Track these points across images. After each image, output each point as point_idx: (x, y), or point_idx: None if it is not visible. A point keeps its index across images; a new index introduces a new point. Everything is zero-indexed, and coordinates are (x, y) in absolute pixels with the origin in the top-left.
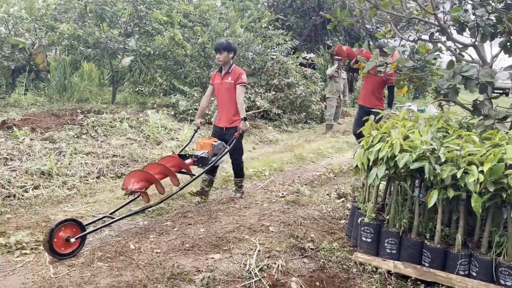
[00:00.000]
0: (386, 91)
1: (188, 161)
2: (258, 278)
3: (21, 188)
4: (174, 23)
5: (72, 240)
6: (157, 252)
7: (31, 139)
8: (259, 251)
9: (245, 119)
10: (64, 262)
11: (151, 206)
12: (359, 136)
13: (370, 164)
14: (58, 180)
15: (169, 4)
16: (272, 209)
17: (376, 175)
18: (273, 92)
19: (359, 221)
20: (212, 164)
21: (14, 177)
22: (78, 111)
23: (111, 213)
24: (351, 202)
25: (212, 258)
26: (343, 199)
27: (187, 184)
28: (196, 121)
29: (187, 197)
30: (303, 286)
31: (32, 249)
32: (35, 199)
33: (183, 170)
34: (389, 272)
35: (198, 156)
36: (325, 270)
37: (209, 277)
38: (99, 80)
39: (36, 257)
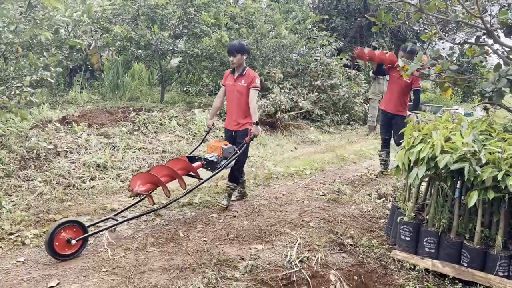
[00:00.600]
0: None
1: (196, 164)
2: (298, 269)
3: (79, 179)
4: (221, 25)
5: (73, 242)
6: (204, 240)
7: (88, 134)
8: (299, 244)
9: (257, 123)
10: (120, 246)
11: (154, 210)
12: (392, 142)
13: (411, 164)
14: (112, 173)
15: (216, 7)
16: (312, 206)
17: (417, 175)
18: (316, 93)
19: (398, 220)
20: (221, 169)
21: (73, 169)
22: (130, 109)
23: (115, 215)
24: (392, 202)
25: (255, 248)
26: (383, 199)
27: (193, 188)
28: (209, 122)
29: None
30: (341, 278)
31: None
32: (92, 189)
33: (191, 173)
34: (426, 270)
35: (207, 159)
36: (363, 265)
37: (252, 265)
38: (149, 80)
39: (96, 240)
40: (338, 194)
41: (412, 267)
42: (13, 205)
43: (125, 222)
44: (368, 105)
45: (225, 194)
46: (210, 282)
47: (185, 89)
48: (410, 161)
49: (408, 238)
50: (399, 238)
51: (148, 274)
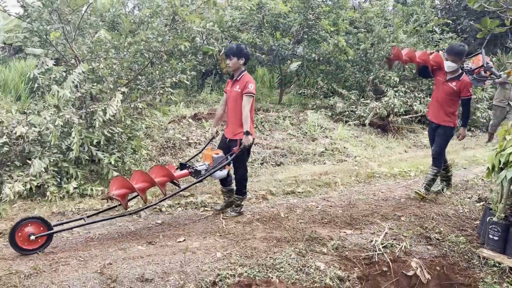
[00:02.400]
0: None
1: (183, 172)
2: (381, 252)
3: None
4: (340, 30)
5: (32, 238)
6: (301, 221)
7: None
8: (386, 233)
9: (247, 133)
10: (233, 219)
11: (128, 214)
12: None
13: (501, 166)
14: None
15: (336, 13)
16: (408, 204)
17: (505, 176)
18: None
19: (487, 219)
20: (202, 178)
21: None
22: None
23: (88, 216)
24: (486, 203)
25: (345, 232)
26: (483, 202)
27: (169, 197)
28: (212, 130)
29: (331, 185)
30: (422, 266)
31: (211, 207)
32: None
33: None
34: (511, 268)
35: (194, 168)
36: (447, 258)
37: (339, 244)
38: (269, 83)
39: (214, 213)
40: (437, 195)
41: (497, 264)
42: None
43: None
44: (491, 111)
45: (233, 206)
46: (301, 252)
47: (301, 91)
48: (500, 162)
49: (496, 238)
50: (487, 237)
51: (252, 241)
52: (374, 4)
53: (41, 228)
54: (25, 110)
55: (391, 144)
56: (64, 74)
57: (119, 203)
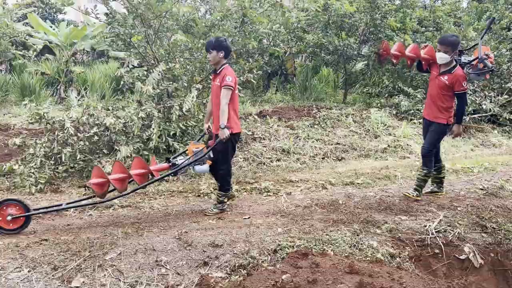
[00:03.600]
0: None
1: (162, 165)
2: (434, 236)
3: (268, 159)
4: (407, 29)
5: (9, 218)
6: (357, 208)
7: (277, 126)
8: (440, 220)
9: (224, 126)
10: (292, 202)
11: (95, 203)
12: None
13: None
14: (293, 156)
15: (403, 12)
16: (467, 196)
17: None
18: (506, 96)
19: None
20: (174, 170)
21: (265, 151)
22: (314, 107)
23: (66, 203)
24: None
25: (399, 218)
26: None
27: (137, 189)
28: (204, 126)
29: (390, 178)
30: (476, 251)
31: (273, 193)
32: (277, 167)
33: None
34: None
35: (173, 162)
36: (501, 245)
37: (392, 227)
38: (334, 83)
39: (276, 197)
40: (499, 190)
41: None
42: None
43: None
44: None
45: (215, 203)
46: (355, 231)
47: (365, 90)
48: None
49: None
50: None
51: (310, 221)
52: (446, 3)
53: (20, 211)
54: (109, 107)
55: (457, 143)
56: (145, 73)
57: (94, 192)
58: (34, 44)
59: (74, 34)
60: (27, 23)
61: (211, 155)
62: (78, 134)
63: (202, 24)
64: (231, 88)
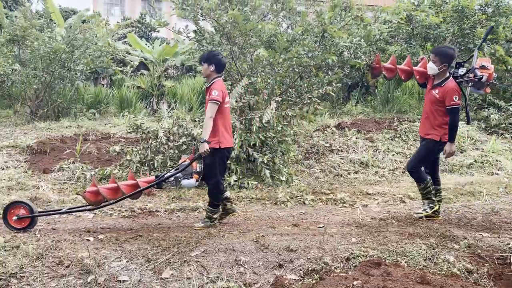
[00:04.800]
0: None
1: (149, 178)
2: None
3: (346, 171)
4: (499, 39)
5: (14, 218)
6: (436, 222)
7: (356, 138)
8: None
9: (204, 141)
10: (368, 214)
11: (88, 209)
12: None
13: None
14: (372, 169)
15: (495, 20)
16: None
17: None
18: None
19: None
20: (156, 182)
21: (342, 163)
22: (395, 119)
23: (67, 208)
24: None
25: (480, 234)
26: None
27: (118, 200)
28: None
29: (475, 195)
30: None
31: (349, 204)
32: (354, 180)
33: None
34: None
35: (158, 175)
36: None
37: (472, 243)
38: (418, 94)
39: (352, 209)
40: None
41: None
42: (298, 181)
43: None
44: None
45: (204, 217)
46: (431, 245)
47: None
48: None
49: None
50: None
51: (384, 233)
52: None
53: (25, 212)
54: (196, 118)
55: None
56: (229, 87)
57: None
58: (131, 61)
59: (167, 51)
60: (126, 41)
61: (197, 169)
62: (169, 143)
63: (283, 39)
64: (217, 102)
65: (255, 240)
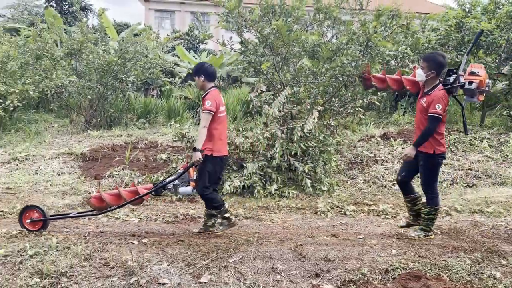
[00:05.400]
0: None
1: (148, 185)
2: None
3: (390, 182)
4: None
5: (28, 221)
6: (483, 237)
7: (402, 148)
8: None
9: (195, 149)
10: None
11: (93, 214)
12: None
13: None
14: (417, 181)
15: None
16: None
17: None
18: None
19: None
20: (152, 190)
21: (386, 174)
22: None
23: (77, 212)
24: None
25: None
26: None
27: (116, 208)
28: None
29: None
30: None
31: (392, 216)
32: (398, 191)
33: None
34: None
35: (155, 182)
36: None
37: None
38: (470, 104)
39: (394, 220)
40: None
41: None
42: (340, 191)
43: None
44: None
45: (218, 222)
46: (477, 260)
47: (506, 112)
48: None
49: None
50: None
51: (427, 245)
52: None
53: (39, 215)
54: (239, 128)
55: None
56: (272, 97)
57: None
58: (179, 72)
59: (213, 62)
60: (175, 53)
61: (194, 177)
62: None
63: (327, 49)
64: (210, 112)
65: (293, 248)
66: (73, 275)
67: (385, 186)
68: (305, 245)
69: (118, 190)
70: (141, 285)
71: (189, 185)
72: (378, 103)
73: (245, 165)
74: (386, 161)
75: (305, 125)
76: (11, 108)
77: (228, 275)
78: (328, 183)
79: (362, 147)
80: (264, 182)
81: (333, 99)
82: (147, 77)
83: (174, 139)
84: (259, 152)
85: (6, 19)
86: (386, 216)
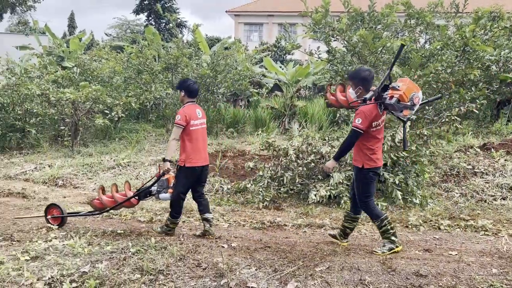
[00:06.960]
0: None
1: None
2: None
3: (491, 196)
4: None
5: (49, 216)
6: None
7: (505, 160)
8: None
9: (164, 159)
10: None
11: (95, 214)
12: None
13: None
14: None
15: None
16: None
17: None
18: None
19: None
20: (134, 195)
21: (487, 188)
22: None
23: (88, 211)
24: None
25: None
26: None
27: (114, 208)
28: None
29: None
30: None
31: (492, 233)
32: (501, 206)
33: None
34: None
35: (139, 188)
36: None
37: None
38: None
39: (495, 238)
40: None
41: None
42: (434, 205)
43: None
44: None
45: (163, 223)
46: None
47: None
48: None
49: None
50: None
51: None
52: None
53: (58, 213)
54: (325, 137)
55: None
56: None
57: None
58: (266, 83)
59: (299, 73)
60: (262, 65)
61: (171, 185)
62: (298, 160)
63: (418, 55)
64: (179, 126)
65: (381, 261)
66: (169, 274)
67: (485, 201)
68: (395, 258)
69: (113, 195)
70: (230, 287)
71: (167, 192)
72: (477, 111)
73: (331, 174)
74: (486, 174)
75: (396, 135)
76: (116, 119)
77: (314, 283)
78: (420, 195)
79: (459, 158)
80: None
81: (427, 107)
82: (236, 88)
83: (261, 148)
84: (345, 162)
85: (112, 38)
86: (486, 233)
